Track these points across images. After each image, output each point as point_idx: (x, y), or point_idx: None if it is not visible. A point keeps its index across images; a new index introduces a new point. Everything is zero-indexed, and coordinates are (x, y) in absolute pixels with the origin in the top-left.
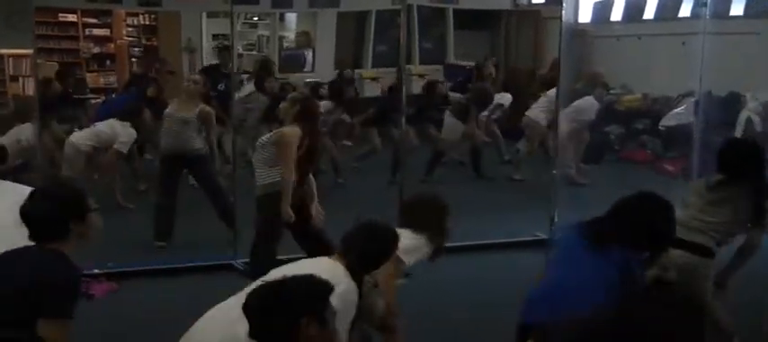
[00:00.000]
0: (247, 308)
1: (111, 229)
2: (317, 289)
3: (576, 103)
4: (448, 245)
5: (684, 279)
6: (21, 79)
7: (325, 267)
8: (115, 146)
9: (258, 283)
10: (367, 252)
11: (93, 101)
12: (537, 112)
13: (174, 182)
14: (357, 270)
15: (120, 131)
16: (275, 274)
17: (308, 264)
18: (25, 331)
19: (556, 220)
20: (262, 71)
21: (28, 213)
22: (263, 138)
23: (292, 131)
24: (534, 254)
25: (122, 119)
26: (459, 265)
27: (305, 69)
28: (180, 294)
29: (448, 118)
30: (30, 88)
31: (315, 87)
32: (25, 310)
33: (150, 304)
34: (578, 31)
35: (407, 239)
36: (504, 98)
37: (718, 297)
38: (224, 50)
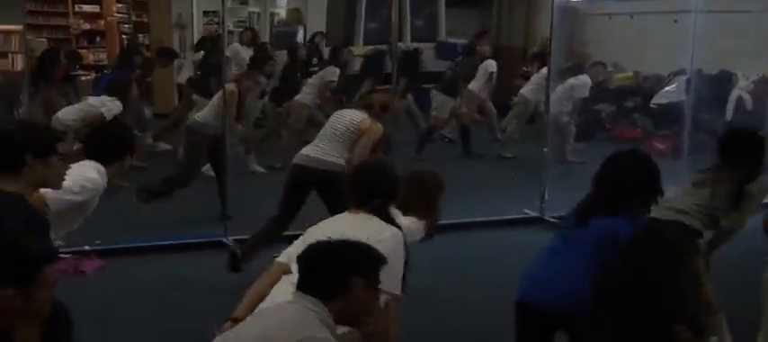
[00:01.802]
0: (304, 260)
1: (101, 207)
2: (373, 255)
3: (571, 81)
4: (438, 223)
5: None
6: (10, 56)
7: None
8: (101, 109)
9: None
10: (380, 189)
11: (83, 77)
12: (530, 89)
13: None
14: (384, 212)
15: (108, 104)
16: (314, 234)
17: (342, 223)
18: None
19: (546, 197)
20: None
21: None
22: (347, 116)
23: (378, 128)
24: (524, 231)
25: (110, 94)
26: (449, 242)
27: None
28: (169, 272)
29: (437, 95)
30: (18, 64)
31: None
32: None
33: (139, 282)
34: (570, 9)
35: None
36: (490, 65)
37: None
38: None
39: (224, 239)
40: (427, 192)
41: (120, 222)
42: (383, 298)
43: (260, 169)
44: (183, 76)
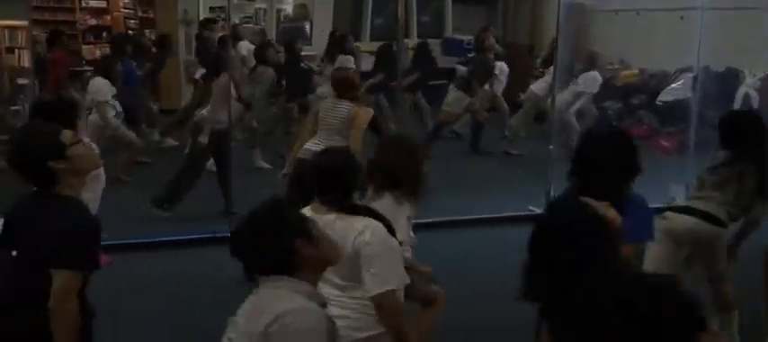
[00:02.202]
0: (239, 246)
1: (107, 202)
2: (293, 209)
3: (580, 79)
4: (443, 219)
5: (702, 250)
6: (16, 51)
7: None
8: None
9: (238, 224)
10: (348, 183)
11: (88, 73)
12: (541, 86)
13: None
14: (355, 207)
15: (95, 85)
16: None
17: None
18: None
19: (551, 194)
20: (263, 45)
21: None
22: (335, 108)
23: (368, 112)
24: (529, 229)
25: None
26: (453, 239)
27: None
28: (174, 267)
29: (453, 91)
30: (25, 60)
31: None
32: (35, 262)
33: (145, 277)
34: (576, 5)
35: (390, 209)
36: (498, 68)
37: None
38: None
39: (229, 235)
40: (414, 159)
41: (124, 218)
42: (399, 293)
43: (266, 165)
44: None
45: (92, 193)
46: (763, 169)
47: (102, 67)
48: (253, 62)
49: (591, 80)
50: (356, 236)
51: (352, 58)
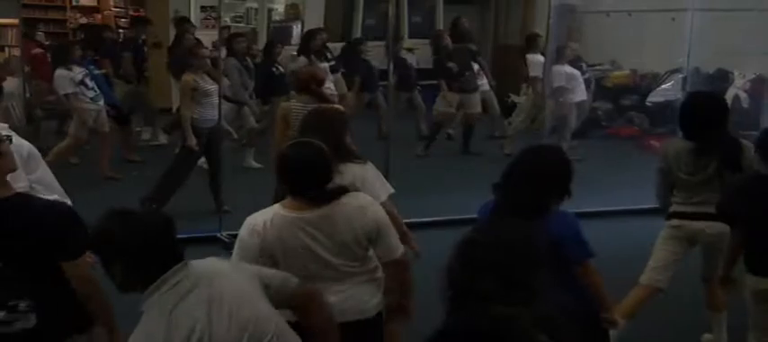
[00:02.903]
0: (148, 262)
1: (96, 201)
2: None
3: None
4: (436, 219)
5: (714, 250)
6: (6, 49)
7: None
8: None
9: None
10: (327, 175)
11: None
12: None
13: None
14: (328, 193)
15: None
16: None
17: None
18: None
19: None
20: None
21: None
22: (301, 111)
23: (339, 110)
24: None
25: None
26: (445, 238)
27: (293, 42)
28: None
29: (442, 92)
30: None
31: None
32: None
33: None
34: (567, 6)
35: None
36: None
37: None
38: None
39: (219, 234)
40: (339, 133)
41: None
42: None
43: (256, 165)
44: None
45: (37, 173)
46: (731, 165)
47: (59, 56)
48: None
49: (557, 74)
50: (364, 218)
51: (304, 61)
